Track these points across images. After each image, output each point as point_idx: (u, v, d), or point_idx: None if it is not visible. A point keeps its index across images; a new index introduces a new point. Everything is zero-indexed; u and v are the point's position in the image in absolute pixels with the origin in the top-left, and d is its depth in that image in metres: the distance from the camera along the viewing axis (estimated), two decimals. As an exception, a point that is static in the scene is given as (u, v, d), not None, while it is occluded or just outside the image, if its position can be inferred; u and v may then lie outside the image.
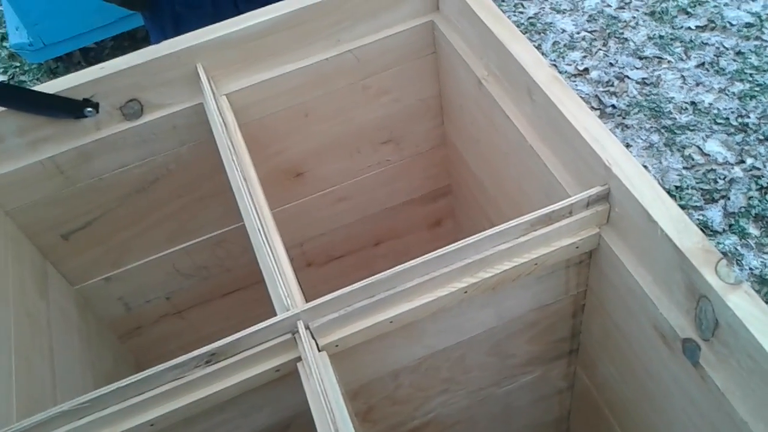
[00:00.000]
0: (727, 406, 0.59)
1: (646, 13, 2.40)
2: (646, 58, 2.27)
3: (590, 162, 0.70)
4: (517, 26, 2.46)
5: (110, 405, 0.64)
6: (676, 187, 1.92)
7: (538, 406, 1.01)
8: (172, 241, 1.11)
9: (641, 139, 2.07)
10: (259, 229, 0.74)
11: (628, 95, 2.19)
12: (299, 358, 0.66)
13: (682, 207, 1.89)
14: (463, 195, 1.20)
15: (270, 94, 0.97)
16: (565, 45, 2.37)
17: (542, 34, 2.42)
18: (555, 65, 2.31)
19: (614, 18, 2.41)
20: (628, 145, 2.06)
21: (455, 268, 0.68)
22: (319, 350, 0.67)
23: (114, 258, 1.09)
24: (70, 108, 0.88)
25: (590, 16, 2.44)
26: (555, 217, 0.69)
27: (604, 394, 0.89)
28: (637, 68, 2.25)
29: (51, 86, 0.87)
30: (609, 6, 2.46)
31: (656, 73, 2.21)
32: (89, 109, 0.89)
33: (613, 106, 2.16)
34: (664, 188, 1.98)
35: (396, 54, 1.00)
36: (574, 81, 2.28)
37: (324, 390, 0.63)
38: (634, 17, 2.40)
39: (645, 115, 2.11)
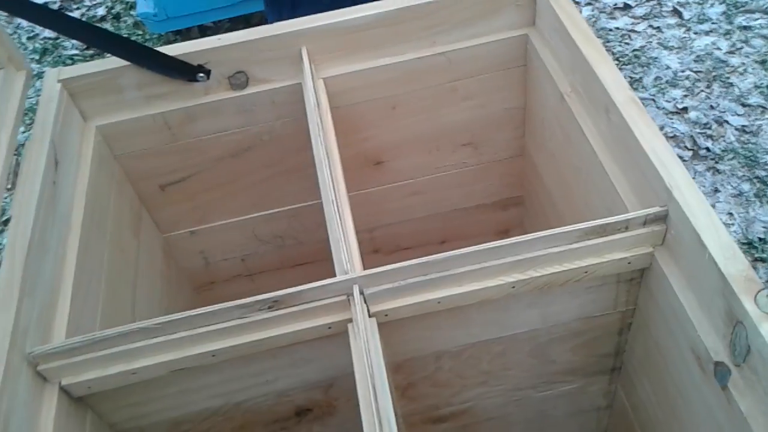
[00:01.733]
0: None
1: (756, 61, 2.33)
2: (749, 105, 2.21)
3: (654, 184, 0.72)
4: (621, 57, 2.44)
5: (180, 331, 0.72)
6: (760, 239, 1.87)
7: (575, 420, 1.03)
8: (255, 208, 1.20)
9: (731, 186, 2.02)
10: (332, 200, 0.80)
11: (724, 140, 2.14)
12: (350, 320, 0.72)
13: (763, 260, 1.84)
14: (533, 207, 1.23)
15: (363, 83, 1.04)
16: (667, 81, 2.34)
17: (645, 68, 2.39)
18: (653, 100, 2.29)
19: (722, 62, 2.36)
20: (716, 190, 2.02)
21: (506, 262, 0.72)
22: (370, 316, 0.73)
23: (201, 214, 1.19)
24: (185, 71, 0.98)
25: (698, 56, 2.40)
26: (610, 230, 0.72)
27: (638, 414, 0.90)
28: (738, 115, 2.20)
29: (171, 49, 0.97)
30: (719, 49, 2.41)
31: (758, 123, 2.15)
32: (201, 74, 0.99)
33: (708, 149, 2.12)
34: (747, 238, 1.90)
35: (488, 62, 1.05)
36: (672, 119, 2.25)
37: (368, 351, 0.69)
38: (743, 63, 2.34)
39: (739, 162, 2.06)
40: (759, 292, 0.59)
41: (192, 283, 1.28)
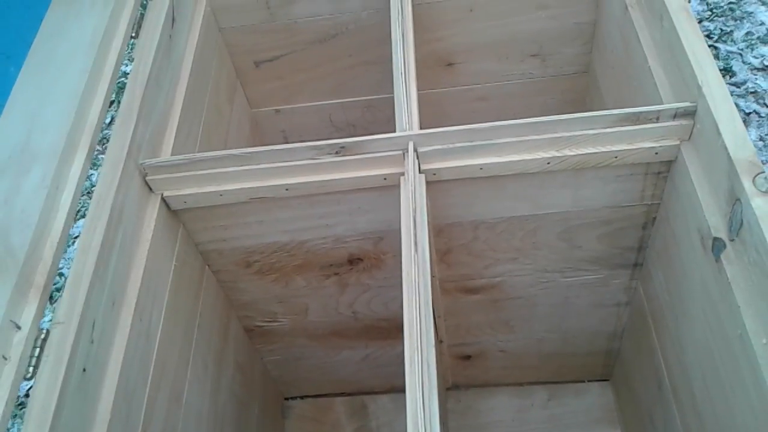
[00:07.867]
0: (730, 295, 0.70)
1: None
2: (841, 69, 2.16)
3: (689, 82, 0.80)
4: (715, 8, 2.40)
5: (262, 162, 0.86)
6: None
7: (596, 313, 1.13)
8: (334, 94, 1.33)
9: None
10: (401, 69, 0.92)
11: (807, 103, 2.11)
12: (403, 173, 0.85)
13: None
14: (590, 124, 1.30)
15: (445, -17, 1.13)
16: (758, 38, 2.30)
17: (738, 22, 2.36)
18: (740, 54, 2.26)
19: (823, 23, 2.29)
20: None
21: (544, 138, 0.82)
22: (420, 171, 0.85)
23: (287, 95, 1.32)
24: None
25: (798, 14, 2.34)
26: (642, 119, 0.80)
27: (651, 304, 1.00)
28: (827, 78, 2.15)
29: (279, -65, 1.09)
30: (822, 10, 2.33)
31: None
32: (301, -40, 1.11)
33: (787, 109, 2.10)
34: None
35: (564, -26, 1.12)
36: (756, 75, 2.22)
37: (415, 201, 0.81)
38: None
39: (816, 126, 2.04)
40: (758, 174, 0.68)
41: (271, 158, 1.43)
